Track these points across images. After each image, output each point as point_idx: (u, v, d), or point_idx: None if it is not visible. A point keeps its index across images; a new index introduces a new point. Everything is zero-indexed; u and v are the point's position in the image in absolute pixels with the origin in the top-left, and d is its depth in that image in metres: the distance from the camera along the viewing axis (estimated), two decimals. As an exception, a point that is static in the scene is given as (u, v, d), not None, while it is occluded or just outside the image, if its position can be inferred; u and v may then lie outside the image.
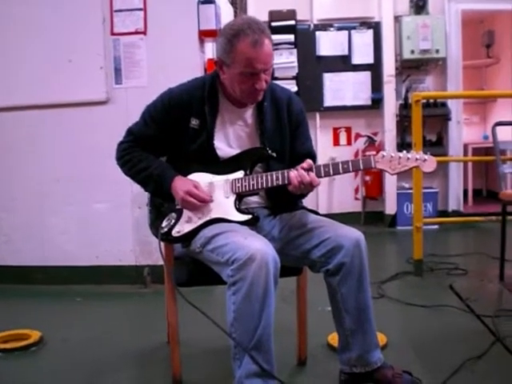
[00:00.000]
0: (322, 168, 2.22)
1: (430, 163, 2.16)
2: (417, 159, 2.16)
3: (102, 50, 4.09)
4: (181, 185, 2.33)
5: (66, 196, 4.26)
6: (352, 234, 2.27)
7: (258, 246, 2.04)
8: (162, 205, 2.44)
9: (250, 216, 2.29)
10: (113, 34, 4.11)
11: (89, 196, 4.24)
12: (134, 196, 4.00)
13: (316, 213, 2.51)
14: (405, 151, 2.20)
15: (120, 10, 4.09)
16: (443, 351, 2.85)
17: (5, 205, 4.34)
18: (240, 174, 2.34)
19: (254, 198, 2.44)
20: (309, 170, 2.21)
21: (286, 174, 2.24)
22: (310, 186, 2.21)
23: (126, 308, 3.85)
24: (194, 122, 2.37)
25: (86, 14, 4.08)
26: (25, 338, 3.13)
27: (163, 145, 2.43)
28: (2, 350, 3.02)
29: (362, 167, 2.20)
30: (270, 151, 2.37)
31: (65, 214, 4.27)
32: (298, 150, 2.48)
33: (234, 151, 2.40)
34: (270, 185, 2.27)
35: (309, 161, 2.24)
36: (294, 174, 2.20)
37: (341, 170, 2.20)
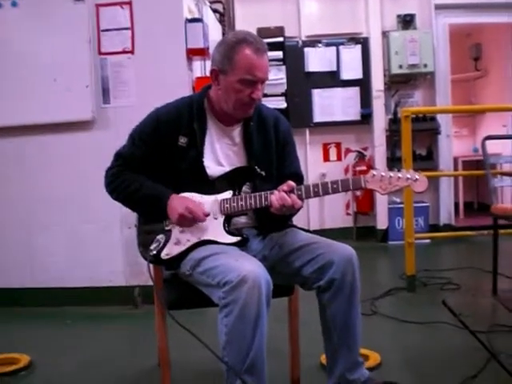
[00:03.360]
0: (311, 188, 2.20)
1: (421, 183, 2.14)
2: (408, 179, 2.14)
3: (88, 69, 4.06)
4: (179, 202, 2.29)
5: (54, 217, 4.23)
6: (343, 250, 2.26)
7: (250, 268, 2.02)
8: (151, 226, 2.40)
9: (239, 238, 2.28)
10: (100, 53, 4.11)
11: (77, 217, 4.21)
12: (122, 216, 3.97)
13: (306, 231, 2.49)
14: (396, 170, 2.19)
15: (107, 30, 4.09)
16: (438, 369, 2.83)
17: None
18: (228, 194, 2.32)
19: (243, 219, 2.43)
20: (290, 191, 2.20)
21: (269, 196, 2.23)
22: (292, 208, 2.20)
23: (117, 329, 3.81)
24: (183, 140, 2.36)
25: (72, 33, 4.06)
26: (14, 363, 3.10)
27: (153, 165, 2.40)
28: (-10, 375, 2.99)
29: (351, 187, 2.18)
30: (258, 170, 2.36)
31: (53, 235, 4.23)
32: (286, 170, 2.46)
33: (223, 169, 2.39)
34: (258, 205, 2.25)
35: (290, 182, 2.22)
36: (276, 197, 2.19)
37: (330, 191, 2.18)
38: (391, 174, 2.15)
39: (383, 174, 2.15)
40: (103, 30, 4.10)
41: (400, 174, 2.15)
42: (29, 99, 4.12)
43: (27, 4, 4.11)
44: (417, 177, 2.14)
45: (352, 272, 2.22)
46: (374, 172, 2.16)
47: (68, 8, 4.06)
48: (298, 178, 2.42)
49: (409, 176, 2.14)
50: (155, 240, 2.34)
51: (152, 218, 2.41)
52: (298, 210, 2.27)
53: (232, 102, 2.30)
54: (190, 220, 2.27)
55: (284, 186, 2.20)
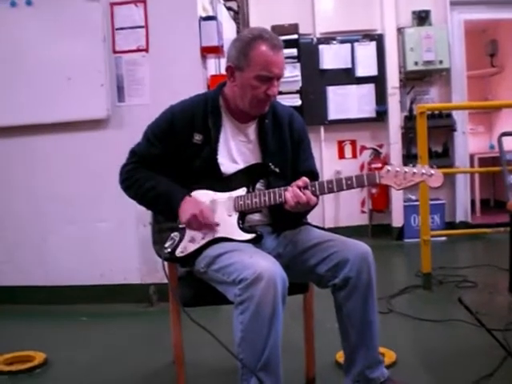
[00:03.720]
0: (325, 184, 2.19)
1: (436, 178, 2.11)
2: (423, 174, 2.11)
3: (103, 68, 4.07)
4: (190, 206, 2.29)
5: (69, 215, 4.25)
6: (358, 247, 2.25)
7: (266, 265, 2.02)
8: (166, 224, 2.41)
9: (253, 235, 2.27)
10: (115, 52, 4.12)
11: (93, 215, 4.23)
12: (138, 214, 3.96)
13: (320, 228, 2.48)
14: (411, 165, 2.15)
15: (121, 28, 4.10)
16: (454, 367, 2.81)
17: (7, 224, 4.33)
18: (242, 191, 2.32)
19: (257, 217, 2.42)
20: (305, 188, 2.19)
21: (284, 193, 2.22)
22: (307, 205, 2.19)
23: (132, 327, 3.82)
24: (198, 138, 2.36)
25: (87, 32, 4.07)
26: (29, 360, 3.11)
27: (168, 163, 2.40)
28: (6, 373, 2.99)
29: (366, 183, 2.16)
30: (272, 167, 2.35)
31: (68, 233, 4.25)
32: (300, 167, 2.45)
33: (238, 166, 2.38)
34: (273, 202, 2.24)
35: (304, 179, 2.21)
36: (290, 194, 2.18)
37: (344, 187, 2.17)
38: (406, 169, 2.13)
39: (398, 169, 2.13)
40: (117, 29, 4.10)
41: (415, 170, 2.12)
42: (43, 98, 4.13)
43: (41, 2, 4.12)
44: (432, 172, 2.11)
45: (367, 270, 2.21)
46: (389, 167, 2.14)
47: (82, 6, 4.07)
48: (313, 176, 2.41)
49: (424, 171, 2.12)
50: (170, 238, 2.34)
51: (165, 216, 2.42)
52: (313, 207, 2.27)
53: (248, 99, 2.29)
54: (200, 223, 2.27)
55: (298, 182, 2.19)
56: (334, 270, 2.22)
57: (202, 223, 2.27)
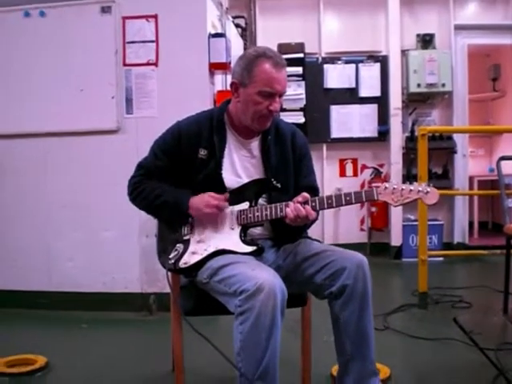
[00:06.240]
0: (325, 200, 2.25)
1: (432, 195, 2.17)
2: (419, 191, 2.17)
3: (114, 80, 4.17)
4: (199, 200, 2.37)
5: (74, 222, 4.30)
6: (355, 256, 2.30)
7: (266, 277, 2.07)
8: (170, 235, 2.47)
9: (255, 247, 2.33)
10: (125, 64, 4.20)
11: (96, 223, 4.29)
12: (141, 224, 4.05)
13: (319, 242, 2.54)
14: (408, 182, 2.22)
15: (132, 42, 4.18)
16: (447, 384, 2.85)
17: (13, 230, 4.39)
18: (245, 205, 2.38)
19: (258, 230, 2.48)
20: (305, 203, 2.25)
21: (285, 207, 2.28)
22: (307, 219, 2.26)
23: (132, 335, 3.86)
24: (203, 153, 2.43)
25: (99, 45, 4.18)
26: (31, 363, 3.16)
27: (173, 176, 2.47)
28: (7, 375, 3.04)
29: (364, 199, 2.23)
30: (274, 182, 2.42)
31: (72, 241, 4.31)
32: (301, 183, 2.52)
33: (241, 181, 2.45)
34: (274, 216, 2.31)
35: (304, 194, 2.28)
36: (290, 208, 2.25)
37: (343, 202, 2.23)
38: (403, 186, 2.19)
39: (395, 186, 2.19)
40: (128, 42, 4.18)
41: (412, 187, 2.18)
42: (57, 108, 4.24)
43: (55, 14, 4.23)
44: (428, 189, 2.17)
45: (363, 278, 2.25)
46: (387, 184, 2.20)
47: (95, 19, 4.18)
48: (314, 191, 2.48)
49: (420, 189, 2.17)
50: (174, 249, 2.41)
51: (173, 223, 2.48)
52: (313, 221, 2.34)
53: (250, 114, 2.37)
54: (216, 214, 2.37)
55: (299, 198, 2.27)
56: (332, 278, 2.27)
57: (216, 213, 2.36)
